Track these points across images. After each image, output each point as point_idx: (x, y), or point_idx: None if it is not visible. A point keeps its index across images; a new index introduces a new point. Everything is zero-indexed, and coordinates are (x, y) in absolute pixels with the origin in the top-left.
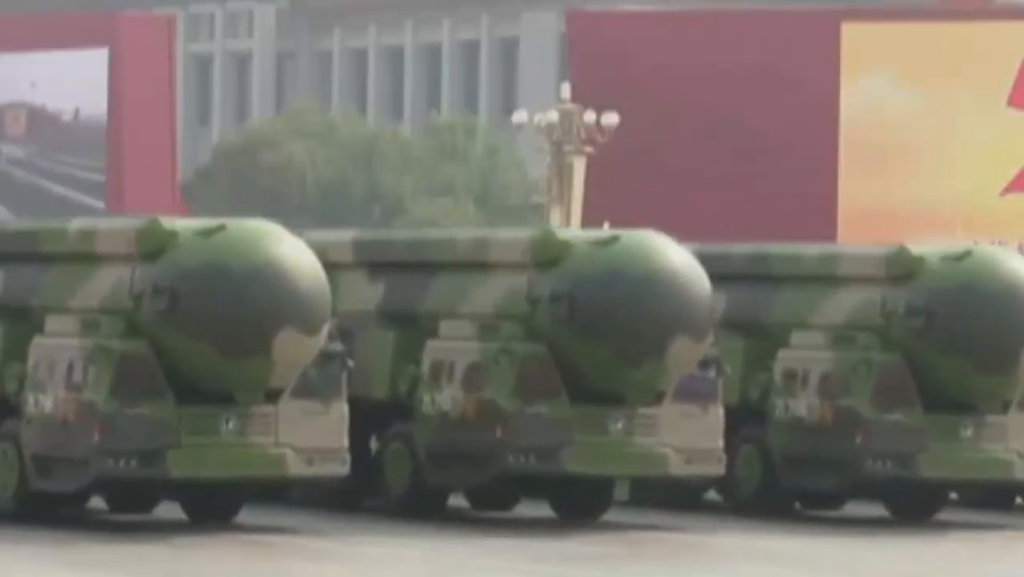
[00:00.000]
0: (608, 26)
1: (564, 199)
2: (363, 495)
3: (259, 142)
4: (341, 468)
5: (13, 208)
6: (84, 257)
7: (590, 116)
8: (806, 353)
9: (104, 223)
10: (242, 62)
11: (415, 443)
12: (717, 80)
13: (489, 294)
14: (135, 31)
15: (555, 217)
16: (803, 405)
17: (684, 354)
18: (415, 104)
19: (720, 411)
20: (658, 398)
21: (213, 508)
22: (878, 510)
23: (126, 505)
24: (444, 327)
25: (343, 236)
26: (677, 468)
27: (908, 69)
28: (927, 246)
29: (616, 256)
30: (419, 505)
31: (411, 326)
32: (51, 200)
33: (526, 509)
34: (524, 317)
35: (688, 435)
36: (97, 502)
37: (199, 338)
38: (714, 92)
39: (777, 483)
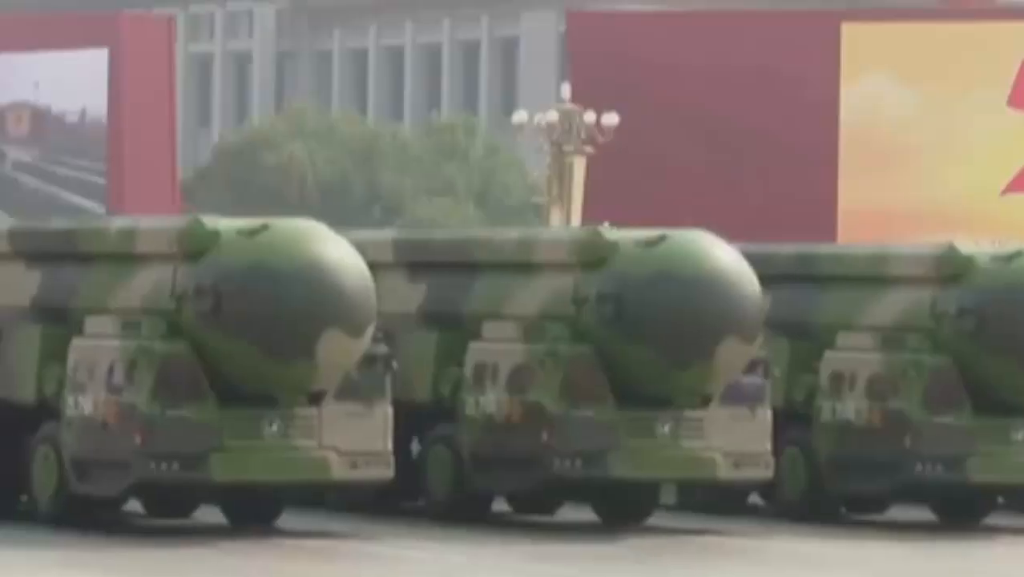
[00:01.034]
0: (608, 26)
1: (564, 199)
2: (402, 498)
3: (259, 142)
4: (386, 472)
5: (11, 212)
6: (124, 257)
7: (590, 116)
8: (853, 355)
9: (145, 222)
10: (242, 62)
11: (458, 446)
12: (717, 80)
13: (534, 295)
14: (135, 31)
15: (555, 217)
16: (850, 408)
17: (733, 356)
18: (415, 104)
19: (768, 414)
20: (705, 401)
21: (254, 512)
22: (923, 514)
23: (164, 509)
24: (488, 328)
25: (383, 236)
26: (725, 472)
27: (908, 69)
28: (976, 246)
29: (664, 256)
30: (462, 509)
31: (453, 327)
32: (53, 204)
33: (569, 513)
34: (570, 318)
35: (736, 438)
36: (133, 505)
37: (242, 339)
38: (714, 92)
39: (823, 487)
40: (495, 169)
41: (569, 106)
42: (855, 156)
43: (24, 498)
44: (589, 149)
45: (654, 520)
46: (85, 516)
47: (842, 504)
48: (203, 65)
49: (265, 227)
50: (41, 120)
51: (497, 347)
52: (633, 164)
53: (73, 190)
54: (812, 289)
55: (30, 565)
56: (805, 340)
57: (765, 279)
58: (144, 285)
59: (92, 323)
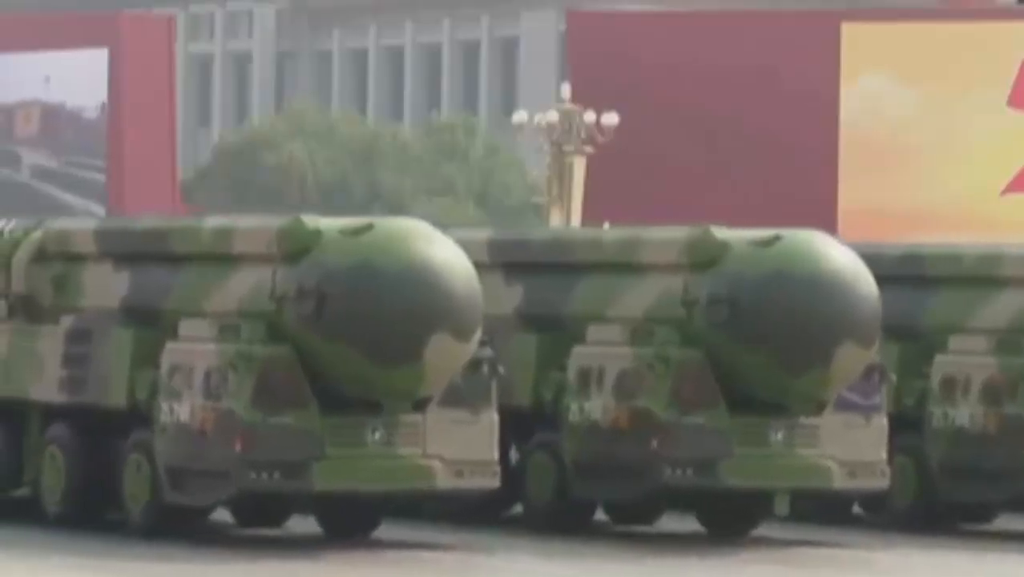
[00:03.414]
0: (608, 26)
1: (564, 199)
2: (498, 506)
3: (259, 142)
4: (492, 481)
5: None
6: (220, 258)
7: (590, 116)
8: (967, 359)
9: (241, 222)
10: (242, 62)
11: (560, 454)
12: (717, 80)
13: (641, 297)
14: (135, 31)
15: (555, 217)
16: (964, 414)
17: (851, 361)
18: (415, 104)
19: (884, 421)
20: (820, 407)
21: (352, 522)
22: None
23: (255, 518)
24: (592, 331)
25: (478, 235)
26: (840, 481)
27: (908, 69)
28: None
29: (779, 256)
30: (563, 518)
31: (555, 330)
32: (56, 207)
33: (670, 522)
34: (679, 321)
35: (851, 447)
36: (221, 515)
37: (347, 343)
38: (714, 92)
39: (935, 496)
40: (495, 169)
41: (569, 106)
42: (855, 156)
43: (110, 506)
44: (589, 149)
45: (763, 531)
46: (179, 527)
47: (955, 514)
48: (203, 65)
49: (370, 226)
50: (53, 117)
51: (602, 351)
52: (633, 164)
53: (93, 197)
54: (921, 290)
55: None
56: (915, 344)
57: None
58: (242, 287)
59: (187, 326)
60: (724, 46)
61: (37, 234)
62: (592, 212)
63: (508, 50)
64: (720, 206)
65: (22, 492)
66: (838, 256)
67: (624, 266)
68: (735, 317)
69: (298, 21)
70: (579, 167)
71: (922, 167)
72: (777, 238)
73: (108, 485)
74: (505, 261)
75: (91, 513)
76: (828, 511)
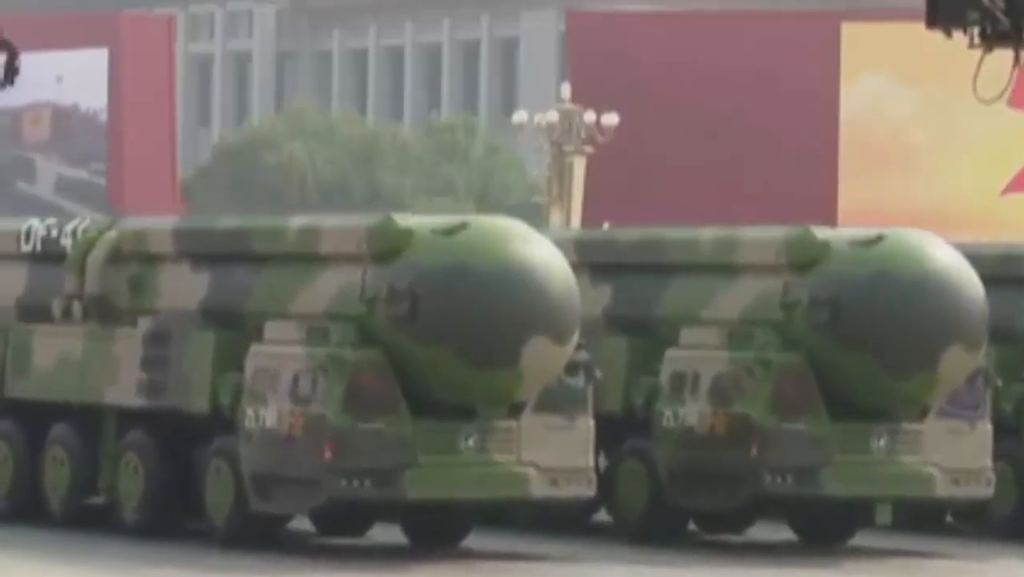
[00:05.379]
0: (608, 26)
1: (564, 199)
2: (585, 513)
3: (259, 142)
4: (587, 489)
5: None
6: (306, 258)
7: (590, 116)
8: None
9: (328, 221)
10: (242, 62)
11: (653, 461)
12: (717, 80)
13: (737, 298)
14: (135, 31)
15: (555, 217)
16: None
17: (957, 365)
18: (415, 104)
19: (989, 427)
20: (922, 413)
21: (439, 531)
22: None
23: (336, 527)
24: (685, 334)
25: (562, 235)
26: (944, 489)
27: (908, 69)
28: None
29: (883, 257)
30: (657, 528)
31: (645, 333)
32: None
33: (762, 531)
34: (778, 324)
35: (955, 453)
36: (302, 523)
37: (441, 346)
38: (714, 92)
39: None
40: (495, 169)
41: (569, 106)
42: (855, 156)
43: (189, 514)
44: (589, 149)
45: (857, 539)
46: (263, 536)
47: None
48: (203, 65)
49: (464, 225)
50: (64, 120)
51: (697, 354)
52: (633, 164)
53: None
54: (1021, 292)
55: None
56: (1013, 346)
57: None
58: (330, 288)
59: (273, 328)
60: (724, 46)
61: (112, 234)
62: (592, 212)
63: (508, 50)
64: (720, 206)
65: (96, 499)
66: (944, 256)
67: (719, 267)
68: (837, 319)
69: (298, 21)
70: (579, 167)
71: (922, 167)
72: (880, 237)
73: (187, 492)
74: (593, 261)
75: (170, 521)
76: (921, 519)
